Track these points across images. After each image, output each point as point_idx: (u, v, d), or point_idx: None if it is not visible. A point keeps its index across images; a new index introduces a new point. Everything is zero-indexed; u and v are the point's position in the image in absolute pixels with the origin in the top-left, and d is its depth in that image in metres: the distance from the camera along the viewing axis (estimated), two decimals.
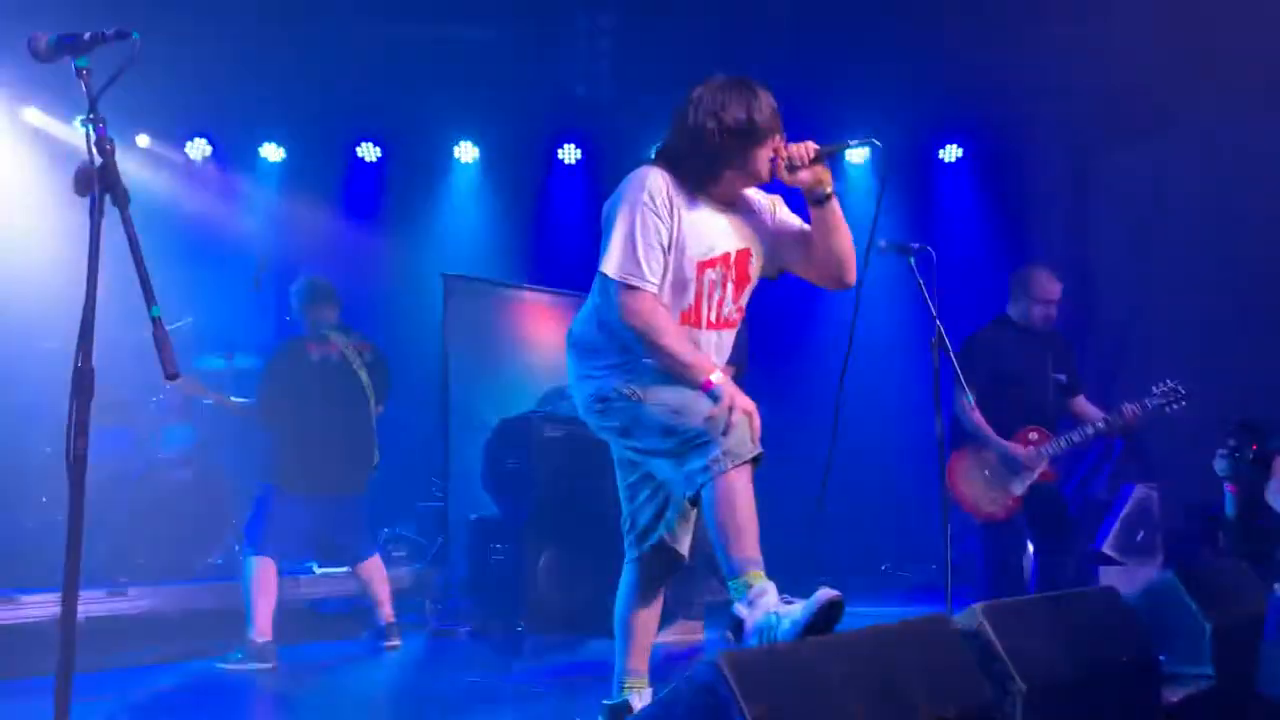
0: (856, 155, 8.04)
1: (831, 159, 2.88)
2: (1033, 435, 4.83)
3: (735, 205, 2.95)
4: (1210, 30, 6.13)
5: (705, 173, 2.86)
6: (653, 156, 2.93)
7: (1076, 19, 6.42)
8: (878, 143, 3.05)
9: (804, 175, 2.85)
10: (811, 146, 2.85)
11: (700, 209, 2.87)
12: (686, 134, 2.85)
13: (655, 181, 2.81)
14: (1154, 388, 4.79)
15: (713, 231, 2.88)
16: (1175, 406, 4.76)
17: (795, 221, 3.02)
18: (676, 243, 2.81)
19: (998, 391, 4.78)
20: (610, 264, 2.77)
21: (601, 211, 2.90)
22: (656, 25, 6.95)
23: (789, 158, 2.84)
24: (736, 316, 2.98)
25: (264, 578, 4.88)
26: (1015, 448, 4.79)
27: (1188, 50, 6.27)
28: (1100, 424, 4.82)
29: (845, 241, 2.91)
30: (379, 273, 7.87)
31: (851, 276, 2.97)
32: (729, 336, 2.98)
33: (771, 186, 3.02)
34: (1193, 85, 6.56)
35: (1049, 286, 4.93)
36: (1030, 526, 4.89)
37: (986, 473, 4.82)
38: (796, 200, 3.00)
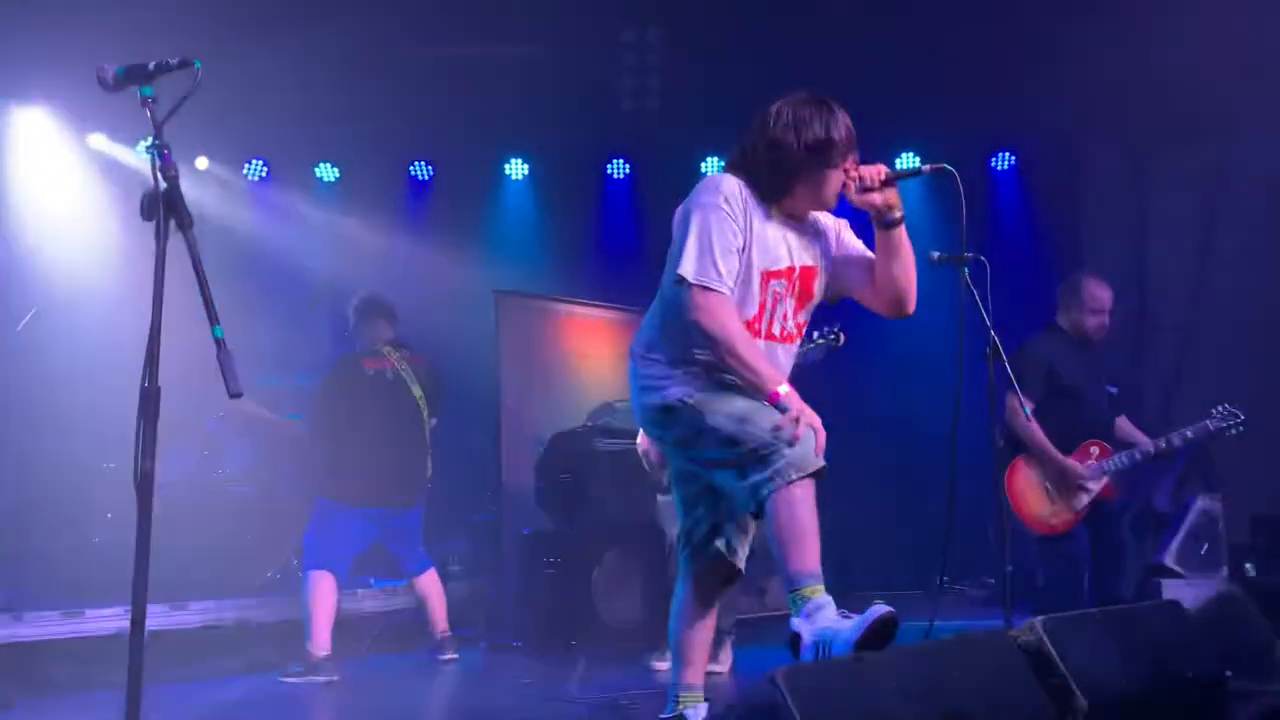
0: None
1: (902, 183, 2.89)
2: (1094, 449, 4.74)
3: (803, 223, 2.97)
4: (1268, 31, 6.01)
5: (777, 185, 2.87)
6: (729, 164, 2.95)
7: (1129, 23, 6.33)
8: (950, 168, 3.04)
9: (874, 198, 2.86)
10: (883, 170, 2.87)
11: (770, 220, 2.89)
12: (763, 145, 2.87)
13: (730, 186, 2.84)
14: (1213, 410, 4.73)
15: (781, 244, 2.89)
16: (1234, 431, 4.72)
17: (859, 245, 3.02)
18: (746, 249, 2.82)
19: (1055, 403, 4.71)
20: (686, 265, 2.76)
21: (673, 217, 2.91)
22: (705, 39, 6.96)
23: (860, 179, 2.86)
24: (796, 333, 2.97)
25: (323, 592, 4.95)
26: (1074, 464, 4.70)
27: (1244, 52, 6.15)
28: (1150, 449, 4.75)
29: (908, 266, 2.92)
30: (432, 289, 7.94)
31: (911, 304, 2.96)
32: (789, 352, 2.97)
33: (839, 210, 3.03)
34: (1250, 87, 6.43)
35: (1100, 295, 4.86)
36: (1091, 542, 4.80)
37: (1048, 486, 4.73)
38: (861, 224, 3.00)
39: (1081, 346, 4.88)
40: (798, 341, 3.00)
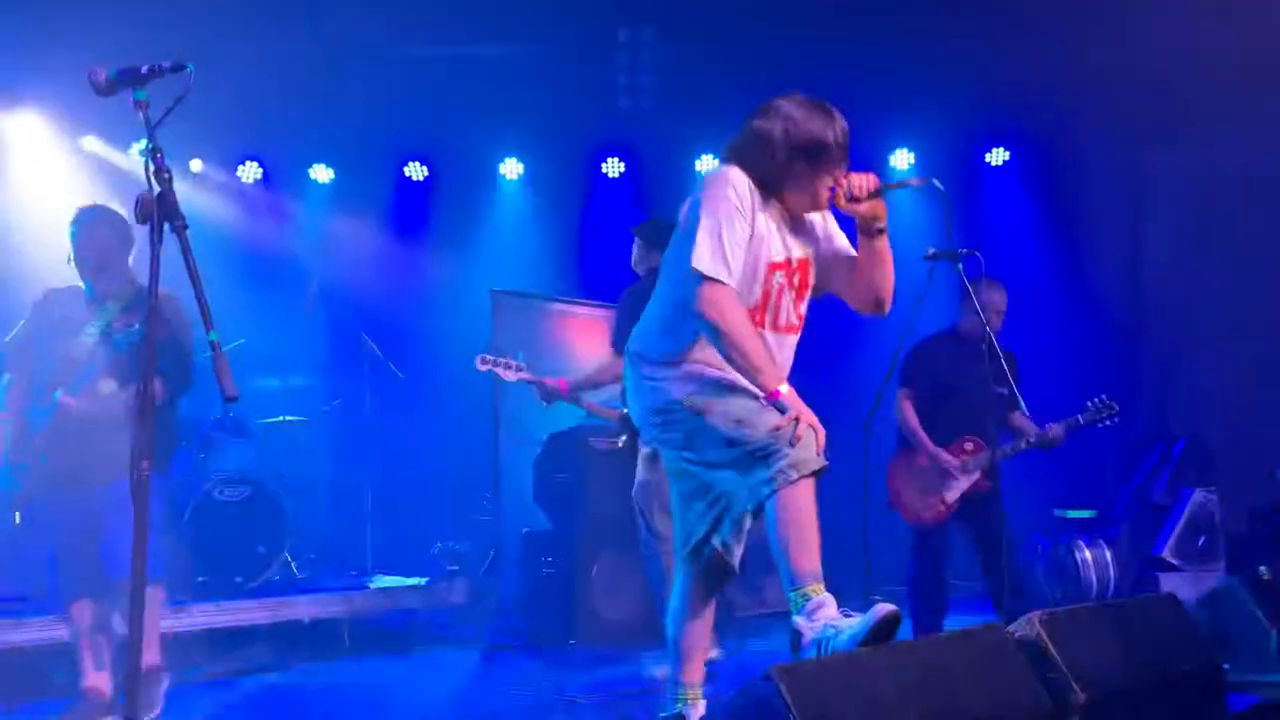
0: (901, 163, 7.99)
1: (889, 194, 2.91)
2: (968, 445, 4.85)
3: (796, 216, 2.98)
4: (1260, 24, 6.02)
5: (768, 182, 2.88)
6: (723, 154, 2.95)
7: (1124, 17, 6.34)
8: (939, 184, 3.05)
9: (862, 208, 2.87)
10: (873, 180, 2.87)
11: (770, 210, 2.90)
12: (758, 140, 2.87)
13: (739, 180, 2.84)
14: (1087, 404, 4.89)
15: (780, 235, 2.91)
16: (1107, 422, 4.87)
17: (843, 242, 3.04)
18: (753, 241, 2.83)
19: (937, 400, 4.84)
20: (696, 258, 2.75)
21: (680, 211, 2.90)
22: (699, 35, 6.96)
23: (849, 187, 2.86)
24: (797, 324, 2.98)
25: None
26: (945, 455, 4.82)
27: (1238, 45, 6.16)
28: (1032, 439, 4.85)
29: (888, 273, 2.95)
30: (428, 289, 7.95)
31: (888, 305, 2.99)
32: (791, 343, 2.98)
33: None
34: (1244, 81, 6.44)
35: (986, 298, 4.76)
36: (968, 535, 4.89)
37: (920, 477, 4.86)
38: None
39: (968, 347, 4.84)
40: (798, 334, 2.99)
